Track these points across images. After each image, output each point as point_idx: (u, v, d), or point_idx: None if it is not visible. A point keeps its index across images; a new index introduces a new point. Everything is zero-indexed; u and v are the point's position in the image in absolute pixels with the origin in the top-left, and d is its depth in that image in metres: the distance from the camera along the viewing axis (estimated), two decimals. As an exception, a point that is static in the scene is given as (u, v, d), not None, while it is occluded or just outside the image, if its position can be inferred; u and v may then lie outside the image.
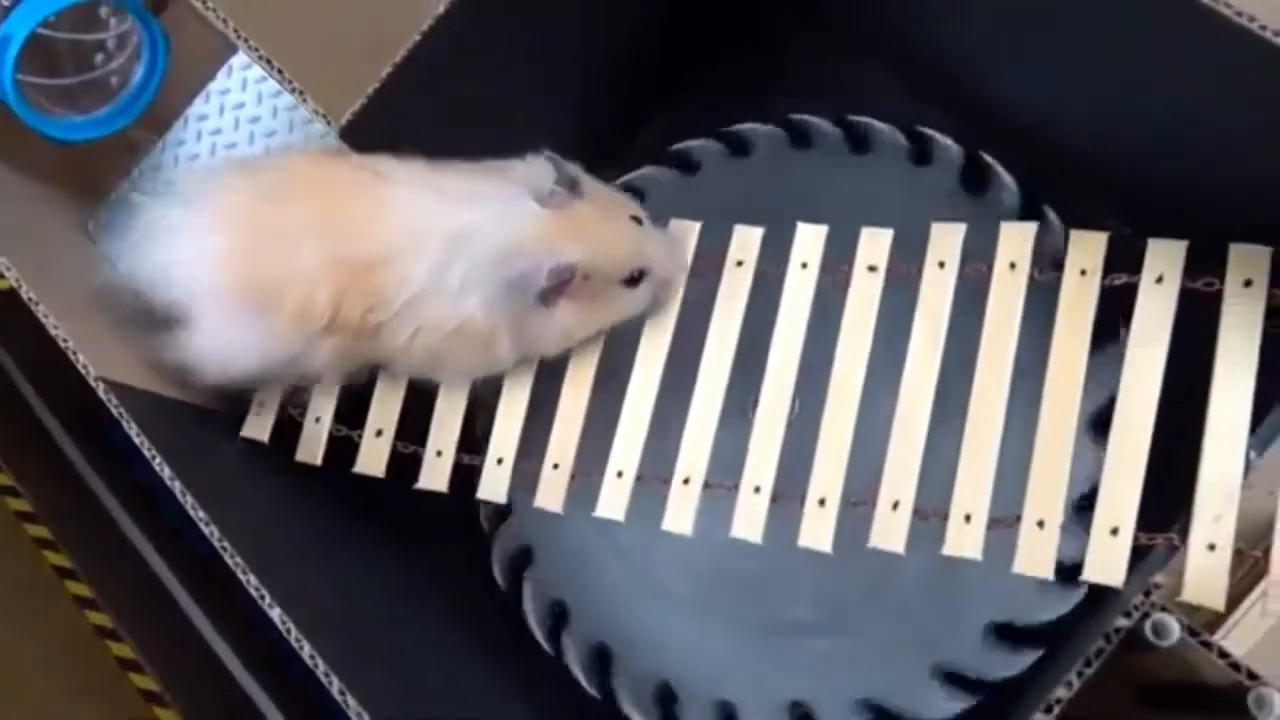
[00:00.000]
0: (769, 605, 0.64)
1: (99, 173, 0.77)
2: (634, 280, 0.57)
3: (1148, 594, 0.38)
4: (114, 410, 0.56)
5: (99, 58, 0.79)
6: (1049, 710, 0.38)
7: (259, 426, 0.64)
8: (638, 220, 0.58)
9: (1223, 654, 0.37)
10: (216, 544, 0.51)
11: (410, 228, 0.55)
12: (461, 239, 0.54)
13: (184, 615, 0.79)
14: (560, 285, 0.54)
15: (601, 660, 0.66)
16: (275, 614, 0.49)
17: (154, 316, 0.60)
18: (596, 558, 0.68)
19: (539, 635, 0.67)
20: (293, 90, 0.58)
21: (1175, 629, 0.37)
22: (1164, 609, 0.38)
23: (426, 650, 0.61)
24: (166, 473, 0.53)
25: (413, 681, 0.56)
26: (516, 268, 0.53)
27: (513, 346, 0.57)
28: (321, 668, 0.47)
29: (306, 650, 0.48)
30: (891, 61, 0.72)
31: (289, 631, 0.48)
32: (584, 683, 0.65)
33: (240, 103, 0.75)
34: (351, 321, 0.56)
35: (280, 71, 0.59)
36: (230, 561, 0.51)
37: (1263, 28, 0.45)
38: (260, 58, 0.59)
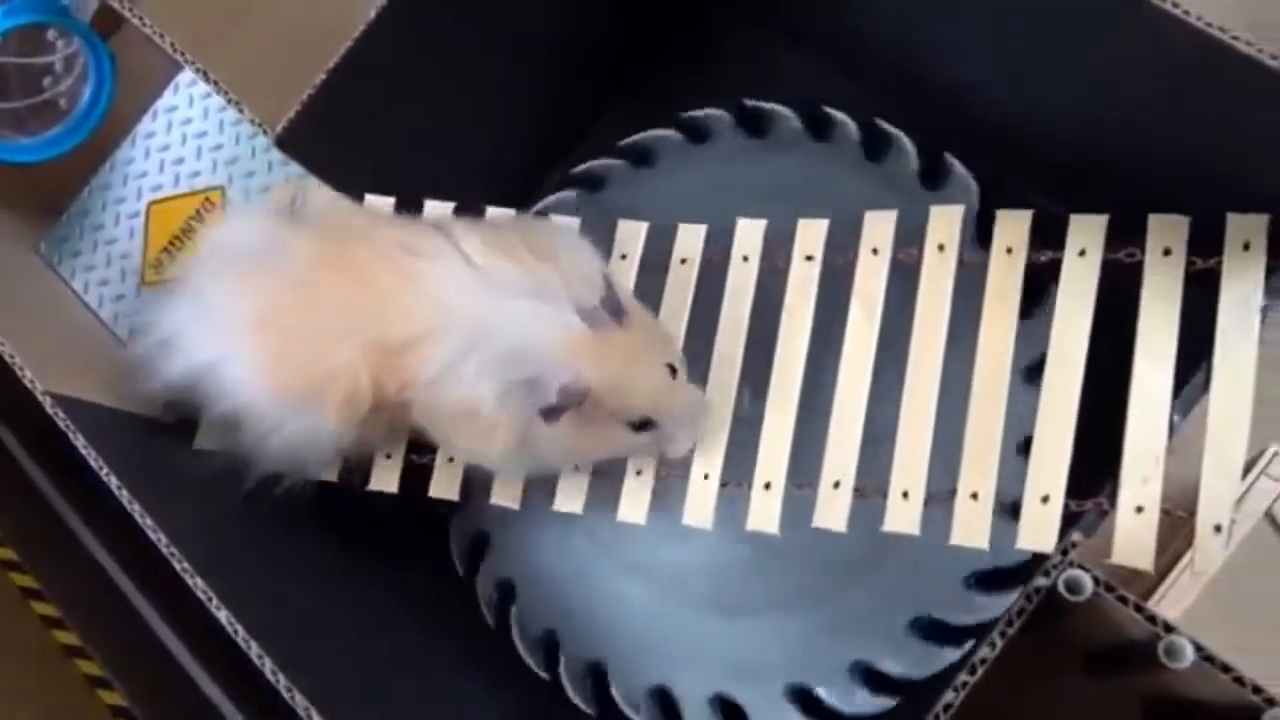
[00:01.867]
0: (722, 589, 0.65)
1: (49, 193, 0.78)
2: (640, 426, 0.55)
3: (1065, 553, 0.39)
4: (62, 424, 0.57)
5: (47, 80, 0.79)
6: (973, 671, 0.39)
7: (212, 438, 0.65)
8: (672, 369, 0.55)
9: (1139, 608, 0.38)
10: (165, 550, 0.52)
11: (437, 308, 0.53)
12: (485, 328, 0.52)
13: (151, 631, 0.79)
14: (565, 406, 0.52)
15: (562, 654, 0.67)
16: (223, 615, 0.50)
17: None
18: (554, 549, 0.69)
19: (488, 615, 0.68)
20: (230, 100, 0.59)
21: (1088, 584, 0.38)
22: (1081, 566, 0.38)
23: (382, 649, 0.61)
24: (114, 482, 0.54)
25: (366, 678, 0.57)
26: (529, 371, 0.51)
27: (515, 445, 0.54)
28: (269, 666, 0.48)
29: (254, 650, 0.48)
30: (831, 53, 0.73)
31: (236, 632, 0.49)
32: (531, 664, 0.66)
33: (188, 119, 0.76)
34: (388, 399, 0.55)
35: (216, 83, 0.59)
36: (178, 566, 0.51)
37: (1186, 13, 0.46)
38: (197, 70, 0.60)
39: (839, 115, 0.71)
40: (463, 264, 0.54)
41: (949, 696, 0.39)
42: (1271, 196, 0.50)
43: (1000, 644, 0.39)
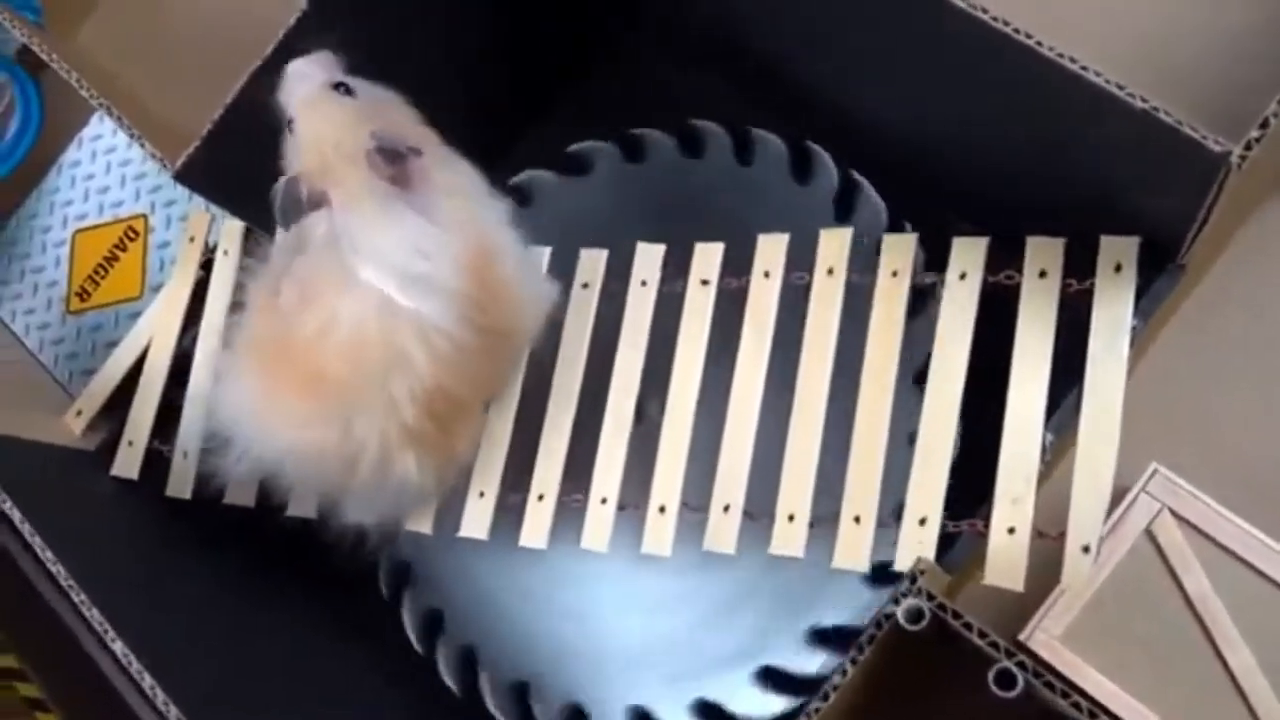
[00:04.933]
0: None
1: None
2: None
3: (914, 580, 0.40)
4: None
5: (-26, 113, 0.80)
6: (825, 698, 0.40)
7: (128, 464, 0.65)
8: None
9: (983, 634, 0.39)
10: (64, 583, 0.53)
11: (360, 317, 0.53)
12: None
13: (88, 655, 0.79)
14: (392, 147, 0.53)
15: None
16: (118, 647, 0.50)
17: None
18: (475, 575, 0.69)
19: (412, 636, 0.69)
20: (133, 135, 0.60)
21: (926, 612, 0.38)
22: (926, 594, 0.39)
23: (301, 685, 0.62)
24: (16, 515, 0.54)
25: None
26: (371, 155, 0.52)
27: (473, 238, 0.55)
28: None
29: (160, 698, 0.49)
30: (733, 75, 0.74)
31: (138, 672, 0.49)
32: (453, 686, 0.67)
33: (111, 147, 0.76)
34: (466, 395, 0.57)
35: (120, 119, 0.60)
36: (76, 599, 0.52)
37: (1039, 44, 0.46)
38: (102, 105, 0.61)
39: (763, 134, 0.70)
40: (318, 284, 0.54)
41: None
42: (1143, 218, 0.51)
43: (851, 670, 0.40)
